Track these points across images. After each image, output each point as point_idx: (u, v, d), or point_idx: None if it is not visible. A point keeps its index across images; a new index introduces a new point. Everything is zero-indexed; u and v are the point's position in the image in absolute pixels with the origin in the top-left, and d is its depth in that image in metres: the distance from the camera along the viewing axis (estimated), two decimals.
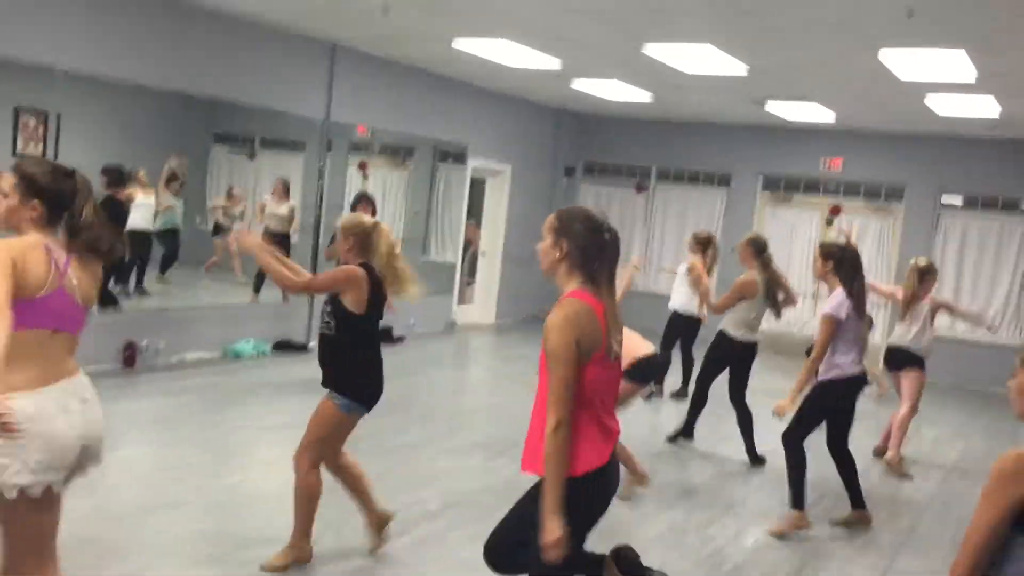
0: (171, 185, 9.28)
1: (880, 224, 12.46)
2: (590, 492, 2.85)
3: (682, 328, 8.73)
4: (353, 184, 11.61)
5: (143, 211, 8.59)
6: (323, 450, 4.15)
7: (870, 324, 5.96)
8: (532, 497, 2.91)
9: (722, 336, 6.82)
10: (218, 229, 10.13)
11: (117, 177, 8.02)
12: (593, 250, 2.84)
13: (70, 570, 3.87)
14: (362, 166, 11.98)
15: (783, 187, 13.07)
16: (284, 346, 9.28)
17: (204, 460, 5.62)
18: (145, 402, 6.96)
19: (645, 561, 3.40)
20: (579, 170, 14.23)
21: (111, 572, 3.92)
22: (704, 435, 7.25)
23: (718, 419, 7.36)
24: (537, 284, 12.75)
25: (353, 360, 4.08)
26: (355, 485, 4.37)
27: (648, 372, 5.59)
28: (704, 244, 8.34)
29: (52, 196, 2.81)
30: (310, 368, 8.22)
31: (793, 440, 5.38)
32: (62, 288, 2.78)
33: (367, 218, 4.24)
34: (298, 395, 7.50)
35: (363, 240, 4.11)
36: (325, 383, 4.11)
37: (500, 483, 5.70)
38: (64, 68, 7.26)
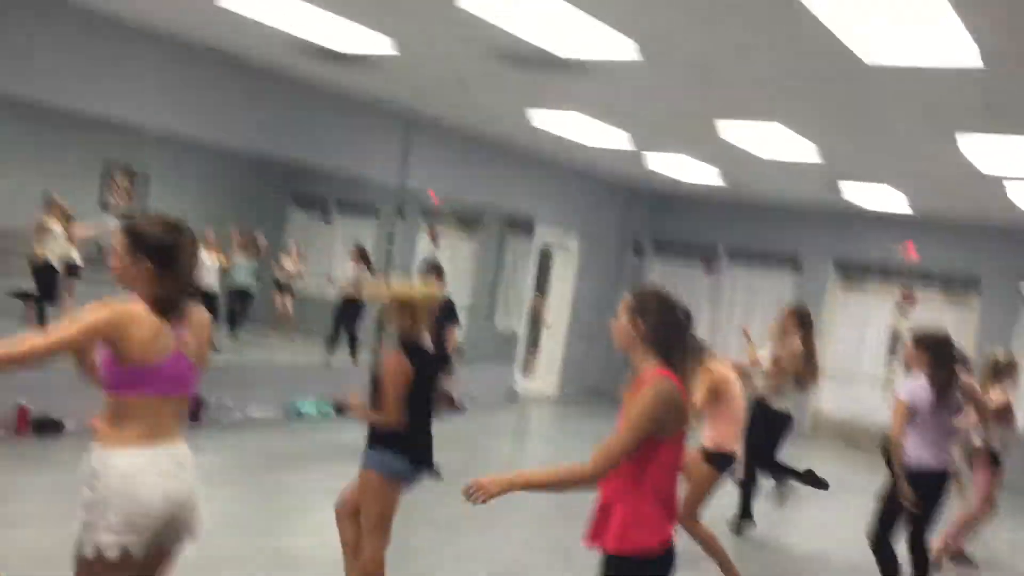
0: (248, 247, 9.55)
1: (956, 315, 12.14)
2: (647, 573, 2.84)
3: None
4: (423, 250, 11.81)
5: (209, 272, 8.82)
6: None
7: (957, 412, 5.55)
8: None
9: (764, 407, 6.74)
10: (279, 286, 10.36)
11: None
12: (670, 329, 2.94)
13: None
14: (433, 233, 12.18)
15: (855, 273, 12.86)
16: (345, 408, 9.35)
17: (260, 518, 5.65)
18: (208, 457, 7.05)
19: None
20: (648, 247, 14.22)
21: None
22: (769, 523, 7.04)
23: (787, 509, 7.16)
24: (601, 358, 12.71)
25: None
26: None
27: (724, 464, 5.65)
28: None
29: (162, 253, 2.73)
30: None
31: (875, 539, 5.25)
32: (179, 352, 2.74)
33: (413, 288, 4.30)
34: (354, 458, 7.52)
35: (409, 309, 4.16)
36: (367, 441, 4.24)
37: (551, 557, 5.61)
38: (154, 128, 7.57)
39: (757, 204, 13.13)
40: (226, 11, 6.21)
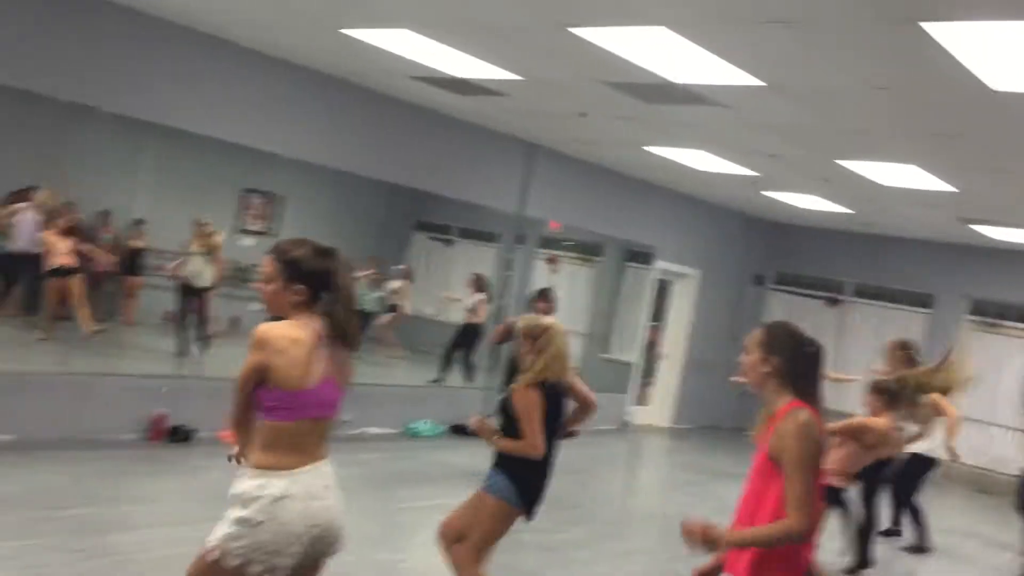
0: (368, 275, 9.93)
1: None
2: None
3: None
4: (541, 277, 11.92)
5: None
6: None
7: None
8: None
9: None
10: (390, 307, 10.63)
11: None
12: (802, 365, 2.91)
13: None
14: (552, 260, 12.29)
15: (992, 313, 12.26)
16: (459, 430, 9.51)
17: (371, 533, 5.80)
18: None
19: None
20: (769, 279, 13.94)
21: None
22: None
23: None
24: (717, 390, 12.48)
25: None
26: None
27: None
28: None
29: (315, 278, 2.75)
30: (483, 452, 8.41)
31: None
32: (330, 376, 2.78)
33: (544, 319, 4.37)
34: (468, 479, 7.64)
35: (539, 341, 4.22)
36: (492, 464, 4.30)
37: None
38: (288, 156, 7.95)
39: (886, 236, 12.70)
40: (351, 38, 6.47)
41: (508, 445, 4.17)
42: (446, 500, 6.85)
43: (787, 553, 2.79)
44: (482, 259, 11.15)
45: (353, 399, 9.07)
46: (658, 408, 12.88)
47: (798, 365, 2.90)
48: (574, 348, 12.29)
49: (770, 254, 13.83)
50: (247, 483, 2.72)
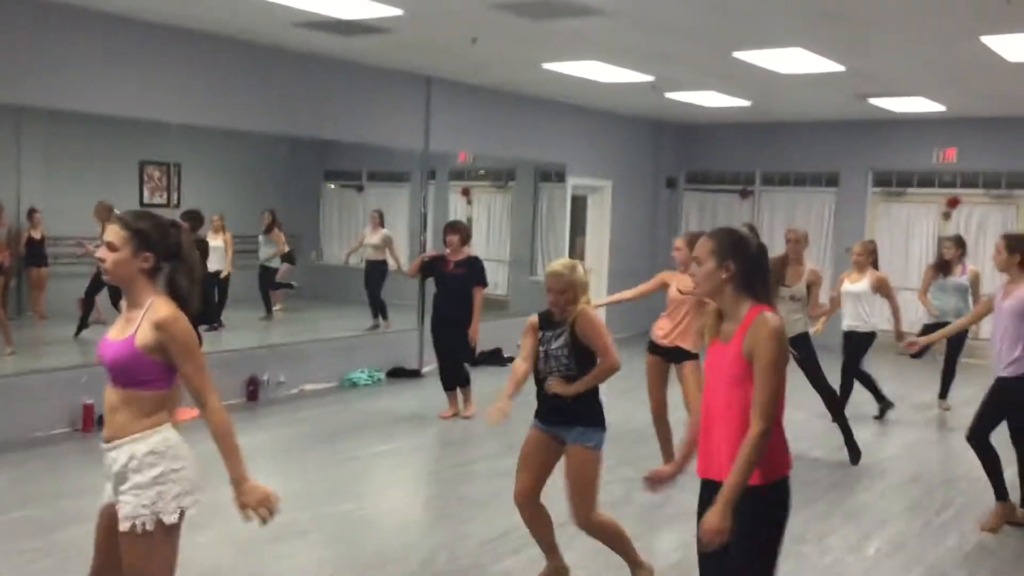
0: (271, 227, 9.84)
1: (1003, 214, 11.91)
2: (787, 496, 2.94)
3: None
4: (458, 210, 11.87)
5: (216, 254, 8.98)
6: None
7: None
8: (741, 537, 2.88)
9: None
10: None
11: (198, 220, 8.41)
12: (757, 268, 2.95)
13: None
14: (465, 192, 12.25)
15: (895, 183, 12.65)
16: (398, 373, 9.53)
17: (323, 489, 5.83)
18: (267, 434, 7.27)
19: None
20: (681, 180, 14.12)
21: None
22: (817, 440, 7.08)
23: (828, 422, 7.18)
24: (642, 301, 12.68)
25: (595, 393, 4.20)
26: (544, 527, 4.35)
27: None
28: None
29: (164, 248, 2.91)
30: (424, 393, 8.48)
31: (977, 438, 5.28)
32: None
33: (579, 265, 4.30)
34: (411, 422, 7.70)
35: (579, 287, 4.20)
36: (569, 421, 4.15)
37: (621, 493, 5.72)
38: (179, 122, 7.70)
39: (787, 123, 12.92)
40: None
41: (591, 378, 4.09)
42: (391, 445, 6.94)
43: (781, 447, 2.93)
44: (395, 200, 11.05)
45: (285, 358, 9.07)
46: None
47: (753, 268, 2.94)
48: (501, 276, 12.35)
49: (679, 156, 13.98)
50: (152, 444, 2.89)
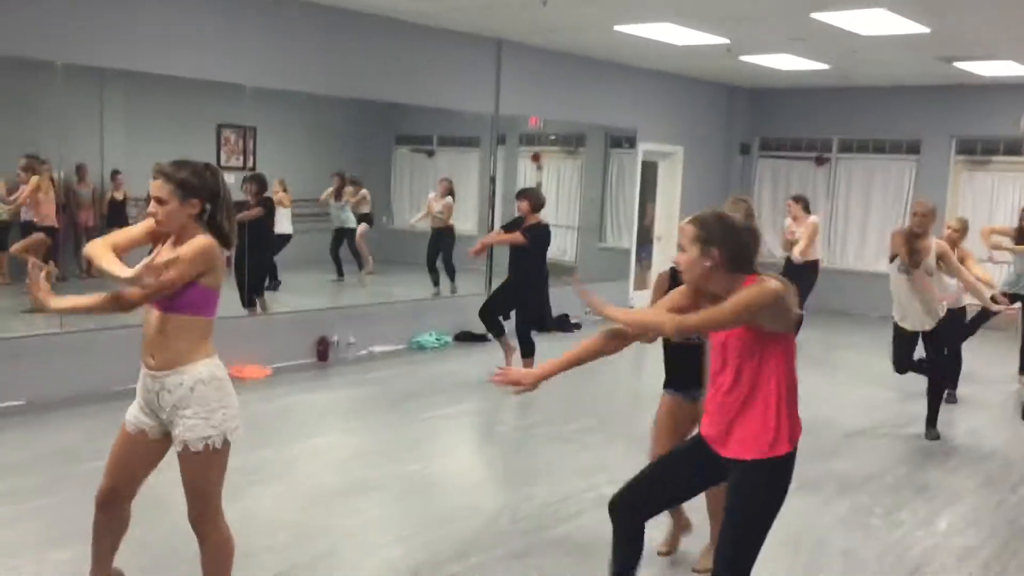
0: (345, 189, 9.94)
1: None
2: (790, 471, 2.91)
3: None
4: (528, 175, 11.83)
5: (284, 217, 9.10)
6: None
7: None
8: (691, 461, 3.07)
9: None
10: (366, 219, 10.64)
11: (263, 184, 8.52)
12: (745, 251, 2.86)
13: (263, 551, 4.23)
14: (535, 157, 12.18)
15: (980, 151, 12.20)
16: (465, 337, 9.59)
17: (389, 447, 5.92)
18: (336, 393, 7.40)
19: (825, 548, 3.26)
20: (755, 146, 13.83)
21: (303, 552, 4.21)
22: (890, 417, 6.94)
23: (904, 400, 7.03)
24: None
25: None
26: None
27: None
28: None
29: (206, 191, 3.07)
30: (490, 358, 8.52)
31: None
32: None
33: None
34: (477, 386, 7.76)
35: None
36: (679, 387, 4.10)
37: None
38: (254, 85, 7.80)
39: (867, 87, 12.54)
40: None
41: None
42: (457, 408, 7.01)
43: (794, 416, 2.89)
44: (465, 165, 11.06)
45: (356, 320, 9.22)
46: None
47: (741, 252, 2.84)
48: (570, 242, 12.33)
49: (753, 121, 13.69)
50: (199, 373, 3.08)
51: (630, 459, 5.85)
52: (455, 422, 6.73)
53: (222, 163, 9.60)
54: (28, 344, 6.56)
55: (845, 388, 8.17)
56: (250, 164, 9.04)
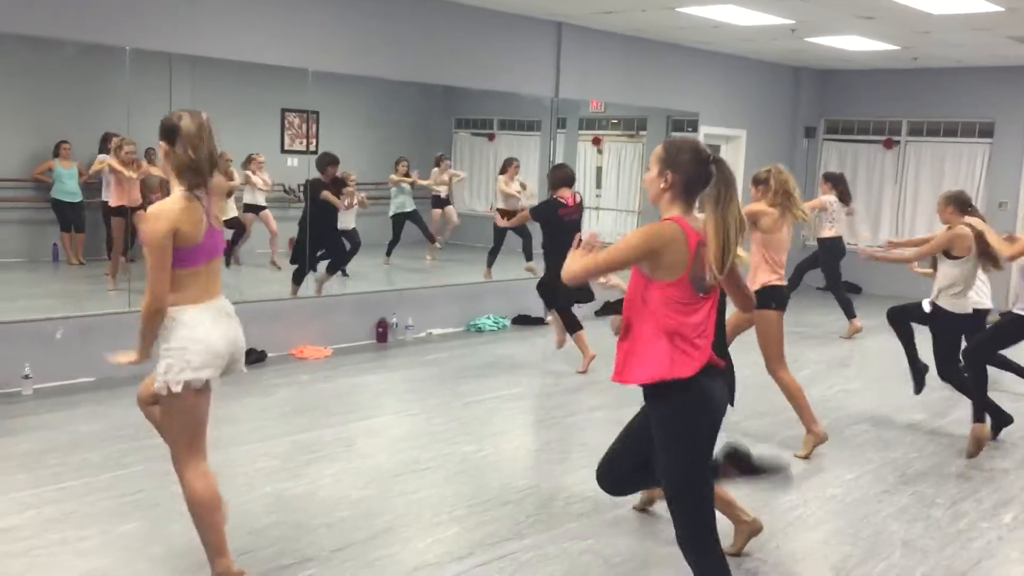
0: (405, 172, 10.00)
1: None
2: (698, 397, 3.03)
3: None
4: (588, 159, 11.79)
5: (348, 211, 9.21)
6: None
7: None
8: (645, 421, 3.25)
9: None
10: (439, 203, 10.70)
11: (335, 162, 8.67)
12: (698, 182, 3.00)
13: (322, 527, 4.31)
14: (596, 141, 12.13)
15: None
16: (522, 320, 9.62)
17: (446, 429, 5.97)
18: (394, 374, 7.49)
19: (885, 537, 3.24)
20: (820, 129, 13.56)
21: (360, 530, 4.28)
22: (951, 408, 6.78)
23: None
24: None
25: None
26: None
27: None
28: None
29: (170, 133, 3.36)
30: (547, 341, 8.53)
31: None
32: (211, 228, 3.37)
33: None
34: (534, 368, 7.77)
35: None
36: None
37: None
38: (316, 70, 7.90)
39: (937, 68, 12.19)
40: None
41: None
42: (514, 390, 7.03)
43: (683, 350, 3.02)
44: (525, 149, 11.06)
45: (414, 303, 9.29)
46: None
47: (692, 182, 3.00)
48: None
49: (819, 103, 13.42)
50: (164, 320, 3.31)
51: None
52: (511, 404, 6.76)
53: (285, 146, 9.77)
54: (99, 322, 6.75)
55: (905, 377, 8.00)
56: (312, 147, 9.17)
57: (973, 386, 5.88)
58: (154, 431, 3.88)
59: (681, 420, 3.04)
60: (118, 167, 8.08)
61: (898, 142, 12.90)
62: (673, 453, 3.05)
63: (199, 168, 3.33)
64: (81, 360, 6.51)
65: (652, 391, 3.08)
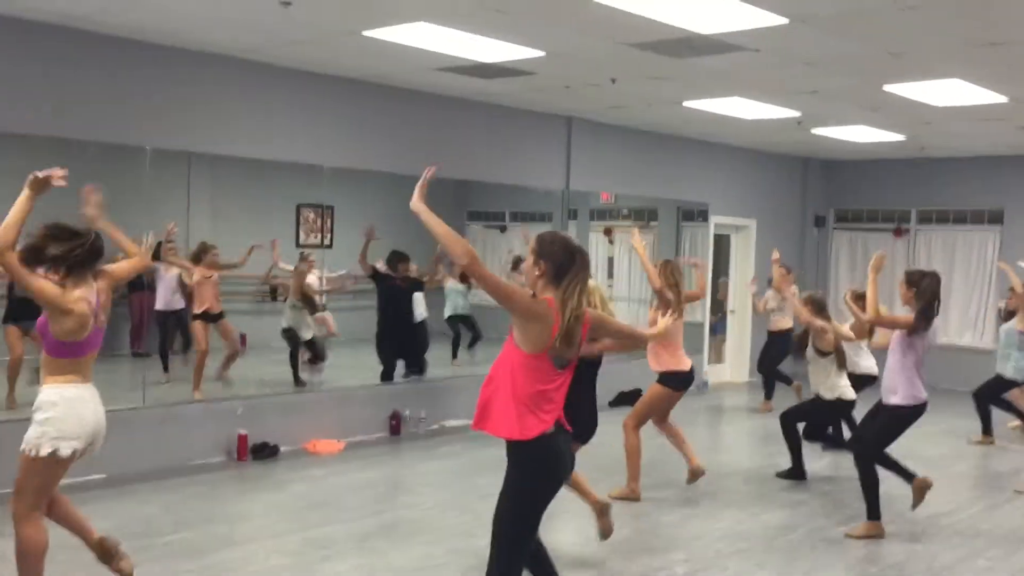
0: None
1: None
2: (545, 456, 3.44)
3: None
4: (600, 250, 11.87)
5: (420, 303, 9.27)
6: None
7: None
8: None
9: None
10: None
11: (406, 260, 8.86)
12: (562, 270, 3.41)
13: None
14: (607, 231, 12.23)
15: None
16: None
17: (460, 522, 5.88)
18: (408, 469, 7.41)
19: None
20: (830, 218, 13.66)
21: None
22: (975, 500, 6.63)
23: None
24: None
25: None
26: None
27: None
28: None
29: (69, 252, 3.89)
30: None
31: None
32: (97, 326, 3.99)
33: None
34: None
35: None
36: None
37: (754, 546, 5.53)
38: (331, 166, 8.06)
39: (945, 158, 12.32)
40: (374, 40, 6.52)
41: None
42: None
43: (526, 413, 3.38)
44: None
45: (427, 395, 9.23)
46: (732, 364, 12.74)
47: (562, 269, 3.41)
48: (643, 316, 12.17)
49: (828, 193, 13.55)
50: (46, 394, 3.93)
51: (711, 535, 5.72)
52: None
53: (301, 240, 9.88)
54: (110, 418, 6.70)
55: (928, 466, 7.87)
56: (327, 242, 9.28)
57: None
58: (162, 529, 3.86)
59: (528, 477, 3.44)
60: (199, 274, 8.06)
61: (907, 230, 12.96)
62: (512, 502, 3.46)
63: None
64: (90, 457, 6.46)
65: (508, 444, 3.46)
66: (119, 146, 6.84)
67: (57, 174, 3.78)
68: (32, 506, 3.91)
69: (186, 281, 8.16)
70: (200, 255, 8.01)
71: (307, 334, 8.73)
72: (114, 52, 6.74)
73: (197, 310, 8.01)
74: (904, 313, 5.83)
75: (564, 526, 5.79)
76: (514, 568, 3.48)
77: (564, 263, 3.41)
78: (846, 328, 6.90)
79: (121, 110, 6.78)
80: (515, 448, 3.44)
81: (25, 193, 3.76)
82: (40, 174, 3.76)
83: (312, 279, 8.97)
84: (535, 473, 3.45)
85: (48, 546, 3.97)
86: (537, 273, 3.43)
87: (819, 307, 6.79)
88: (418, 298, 9.27)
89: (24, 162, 7.12)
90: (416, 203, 3.55)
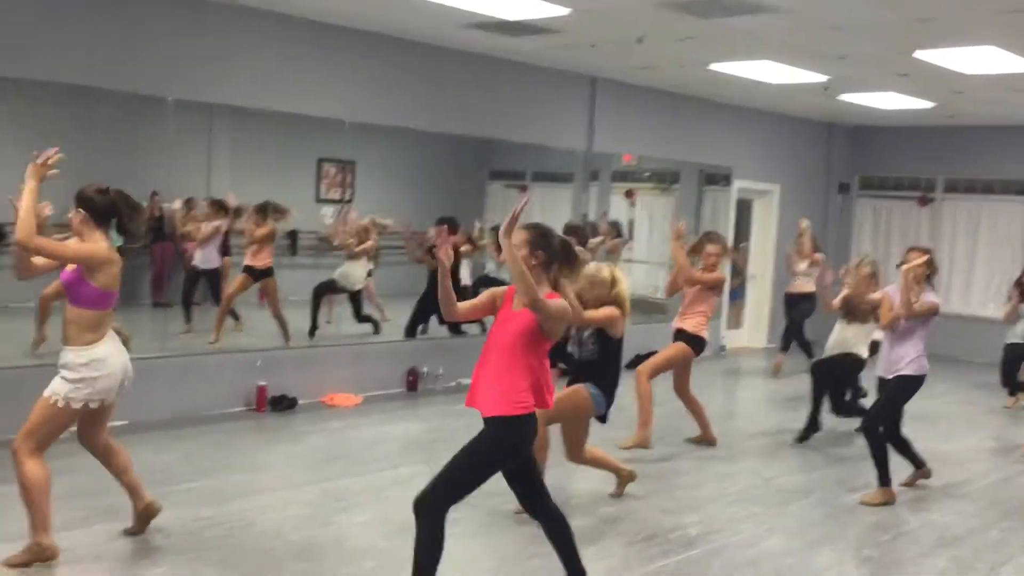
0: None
1: None
2: (517, 436, 3.78)
3: None
4: (620, 212, 11.82)
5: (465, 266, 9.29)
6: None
7: None
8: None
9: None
10: None
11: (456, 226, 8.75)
12: (557, 258, 3.79)
13: None
14: (628, 194, 12.16)
15: None
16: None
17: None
18: (425, 424, 7.47)
19: None
20: (854, 185, 13.52)
21: None
22: (992, 469, 6.62)
23: None
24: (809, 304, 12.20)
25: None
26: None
27: None
28: None
29: (96, 208, 4.11)
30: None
31: None
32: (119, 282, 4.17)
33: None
34: None
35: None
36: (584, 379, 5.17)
37: (768, 510, 5.56)
38: (353, 120, 8.03)
39: (974, 126, 12.14)
40: None
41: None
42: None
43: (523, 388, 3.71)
44: (558, 201, 11.10)
45: (445, 352, 9.27)
46: (751, 329, 12.72)
47: (553, 259, 3.77)
48: (662, 280, 12.19)
49: (853, 159, 13.39)
50: (77, 356, 4.07)
51: (724, 499, 5.75)
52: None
53: (321, 196, 9.87)
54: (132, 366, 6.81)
55: (945, 437, 7.85)
56: (347, 197, 9.27)
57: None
58: (180, 476, 3.89)
59: (497, 448, 3.77)
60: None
61: (933, 199, 12.82)
62: (475, 461, 3.79)
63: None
64: None
65: (489, 419, 3.74)
66: (141, 96, 6.83)
67: (51, 155, 3.94)
68: (38, 448, 4.06)
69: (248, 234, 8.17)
70: (265, 213, 8.05)
71: (358, 285, 8.84)
72: (138, 1, 6.72)
73: (259, 264, 8.04)
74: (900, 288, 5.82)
75: (578, 487, 5.84)
76: (452, 501, 3.81)
77: (556, 253, 3.80)
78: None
79: (144, 60, 6.76)
80: (496, 421, 3.76)
81: (29, 184, 3.90)
82: (38, 160, 3.92)
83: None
84: (504, 449, 3.83)
85: (50, 480, 4.08)
86: (534, 263, 3.72)
87: (876, 278, 6.90)
88: (465, 263, 9.30)
89: (49, 108, 7.20)
90: (503, 236, 3.57)
